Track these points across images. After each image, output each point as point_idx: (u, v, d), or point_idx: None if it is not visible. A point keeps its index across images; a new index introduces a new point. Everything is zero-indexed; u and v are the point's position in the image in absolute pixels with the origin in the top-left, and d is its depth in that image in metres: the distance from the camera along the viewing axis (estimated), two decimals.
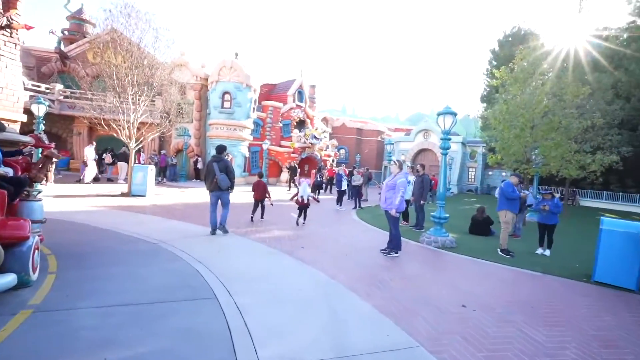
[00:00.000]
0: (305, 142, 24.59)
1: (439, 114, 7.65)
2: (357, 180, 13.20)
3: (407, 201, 9.96)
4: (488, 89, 36.60)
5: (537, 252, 7.62)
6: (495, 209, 7.46)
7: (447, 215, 7.88)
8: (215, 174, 6.64)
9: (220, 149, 7.03)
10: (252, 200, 9.30)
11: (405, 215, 10.22)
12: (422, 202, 9.56)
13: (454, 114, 7.53)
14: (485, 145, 28.07)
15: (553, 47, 22.74)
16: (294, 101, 25.79)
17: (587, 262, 7.01)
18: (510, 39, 34.73)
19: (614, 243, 5.49)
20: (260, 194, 9.11)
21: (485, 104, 36.45)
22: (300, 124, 26.64)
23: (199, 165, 20.44)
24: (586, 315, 4.08)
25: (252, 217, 9.07)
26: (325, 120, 34.80)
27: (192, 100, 21.02)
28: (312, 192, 18.99)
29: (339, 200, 12.89)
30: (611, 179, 24.69)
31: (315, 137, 25.02)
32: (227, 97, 19.93)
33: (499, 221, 7.62)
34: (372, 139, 36.28)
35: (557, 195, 7.94)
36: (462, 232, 9.61)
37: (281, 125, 25.08)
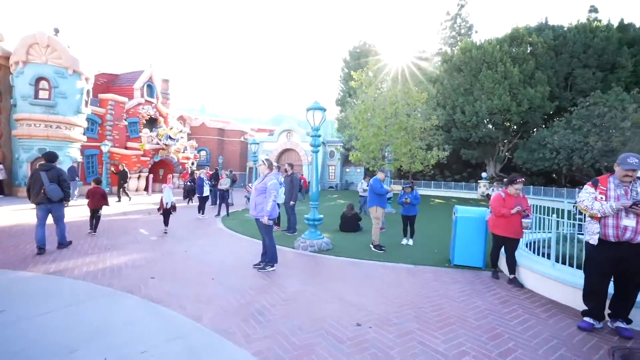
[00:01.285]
0: (158, 143, 21.36)
1: (308, 109, 7.21)
2: (225, 184, 11.85)
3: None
4: (342, 94, 40.19)
5: (402, 242, 8.07)
6: (354, 201, 7.58)
7: (322, 216, 7.55)
8: (43, 184, 5.85)
9: (51, 157, 6.21)
10: (82, 218, 7.00)
11: (276, 218, 9.58)
12: (292, 203, 9.02)
13: (323, 110, 7.24)
14: (342, 144, 30.40)
15: (389, 62, 26.41)
16: (142, 96, 22.03)
17: (440, 245, 7.80)
18: (358, 50, 38.98)
19: (465, 228, 6.07)
20: (97, 202, 7.72)
21: (340, 107, 39.91)
22: (151, 123, 23.05)
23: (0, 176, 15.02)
24: (463, 306, 4.15)
25: (90, 232, 7.84)
26: (182, 119, 31.33)
27: None
28: (185, 198, 16.71)
29: (201, 208, 11.29)
30: (435, 171, 30.30)
31: (170, 138, 22.07)
32: (43, 84, 15.19)
33: (360, 214, 7.79)
34: (235, 140, 34.66)
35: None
36: (333, 230, 9.60)
37: (127, 123, 21.03)
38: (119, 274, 4.93)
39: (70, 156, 16.14)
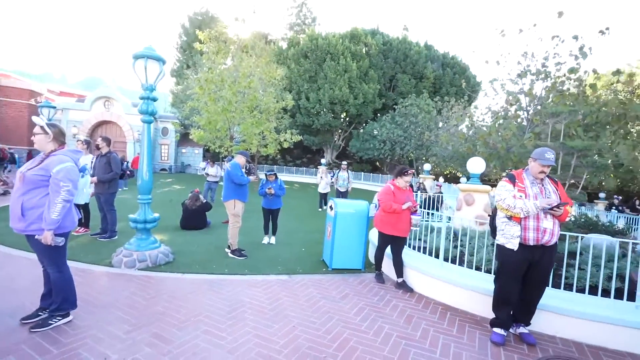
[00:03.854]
0: None
1: (137, 57, 4.75)
2: None
3: (83, 206, 6.27)
4: (179, 64, 35.14)
5: (263, 241, 6.68)
6: (192, 186, 5.82)
7: (157, 215, 5.30)
8: None
9: None
10: None
11: (84, 216, 6.51)
12: (111, 192, 6.27)
13: (162, 60, 4.93)
14: (179, 120, 26.38)
15: (235, 37, 24.23)
16: None
17: (305, 242, 6.86)
18: (199, 17, 34.72)
19: (346, 226, 5.17)
20: None
21: (176, 79, 34.82)
22: None
23: None
24: (372, 337, 3.11)
25: None
26: None
27: None
28: None
29: None
30: (278, 155, 30.29)
31: None
32: None
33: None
34: (20, 102, 24.99)
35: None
36: (172, 228, 7.37)
37: None
38: None
39: None
